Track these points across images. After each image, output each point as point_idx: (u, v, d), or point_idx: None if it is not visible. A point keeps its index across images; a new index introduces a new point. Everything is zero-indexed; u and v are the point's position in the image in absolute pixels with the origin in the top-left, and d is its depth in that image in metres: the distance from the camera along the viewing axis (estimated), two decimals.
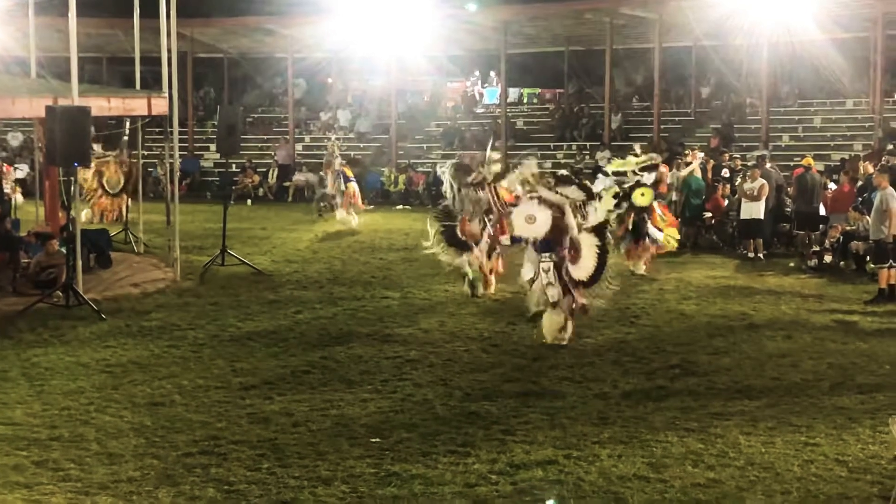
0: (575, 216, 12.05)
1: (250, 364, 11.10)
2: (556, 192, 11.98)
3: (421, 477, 7.62)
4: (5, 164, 26.18)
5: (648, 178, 16.32)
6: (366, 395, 9.86)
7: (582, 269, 11.96)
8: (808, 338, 12.53)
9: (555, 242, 11.98)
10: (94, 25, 28.81)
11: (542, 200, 11.95)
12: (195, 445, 8.32)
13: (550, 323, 12.01)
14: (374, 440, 8.48)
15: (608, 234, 12.44)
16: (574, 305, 12.04)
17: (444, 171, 15.36)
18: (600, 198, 13.48)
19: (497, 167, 14.40)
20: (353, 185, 23.71)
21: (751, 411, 9.39)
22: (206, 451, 8.17)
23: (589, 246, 11.97)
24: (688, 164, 21.11)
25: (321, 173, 25.39)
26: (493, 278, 15.15)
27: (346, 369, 10.88)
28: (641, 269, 16.90)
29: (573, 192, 12.06)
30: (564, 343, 11.93)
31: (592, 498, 7.26)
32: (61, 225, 16.08)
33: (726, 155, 24.19)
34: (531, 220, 11.91)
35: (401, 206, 29.47)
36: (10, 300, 14.13)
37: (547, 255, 11.97)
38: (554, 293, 11.90)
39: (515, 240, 12.61)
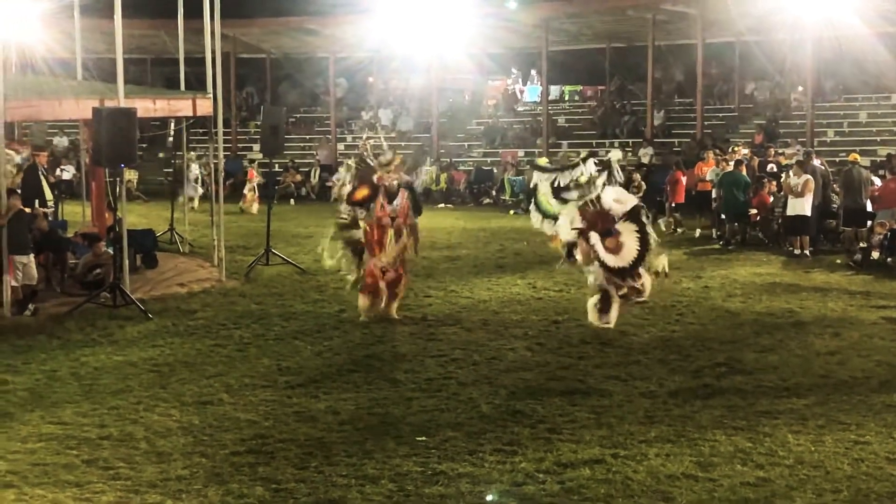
0: None
1: (296, 363, 11.14)
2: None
3: (468, 476, 7.61)
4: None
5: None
6: (411, 394, 9.87)
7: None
8: (855, 335, 12.39)
9: None
10: (137, 27, 29.07)
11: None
12: (243, 444, 8.36)
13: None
14: (420, 439, 8.48)
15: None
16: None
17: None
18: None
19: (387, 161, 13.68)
20: None
21: (799, 409, 9.29)
22: (253, 450, 8.20)
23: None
24: (731, 161, 20.99)
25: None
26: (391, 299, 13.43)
27: (391, 368, 10.89)
28: None
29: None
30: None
31: (641, 497, 7.22)
32: (108, 225, 16.25)
33: (771, 150, 23.98)
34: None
35: (442, 205, 29.45)
36: (59, 301, 14.28)
37: None
38: None
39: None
